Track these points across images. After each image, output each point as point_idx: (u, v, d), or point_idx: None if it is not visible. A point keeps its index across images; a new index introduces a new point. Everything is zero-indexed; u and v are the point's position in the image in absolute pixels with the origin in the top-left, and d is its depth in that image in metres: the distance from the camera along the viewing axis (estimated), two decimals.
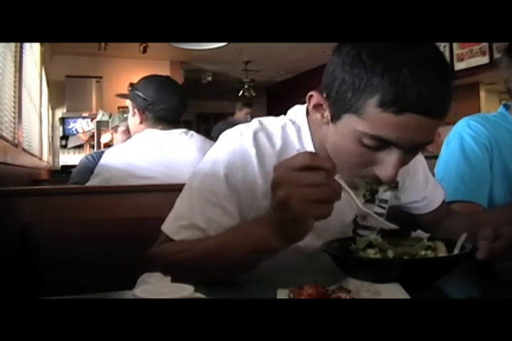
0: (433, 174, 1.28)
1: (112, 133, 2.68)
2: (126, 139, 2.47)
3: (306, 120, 0.84)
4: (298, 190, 0.56)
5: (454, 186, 1.17)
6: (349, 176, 0.71)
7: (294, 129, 0.83)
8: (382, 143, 0.67)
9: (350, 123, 0.69)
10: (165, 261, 0.75)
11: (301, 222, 0.60)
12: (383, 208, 0.93)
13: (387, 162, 0.69)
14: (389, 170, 0.69)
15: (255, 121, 0.85)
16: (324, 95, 0.74)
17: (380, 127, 0.66)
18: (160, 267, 0.63)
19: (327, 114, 0.75)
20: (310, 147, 0.81)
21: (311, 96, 0.76)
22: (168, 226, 0.79)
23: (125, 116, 2.51)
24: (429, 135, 0.69)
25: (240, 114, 4.96)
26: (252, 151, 0.78)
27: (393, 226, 0.71)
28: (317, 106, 0.76)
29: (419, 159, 0.97)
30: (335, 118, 0.72)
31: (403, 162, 0.70)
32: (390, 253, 0.73)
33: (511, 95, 1.24)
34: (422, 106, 0.64)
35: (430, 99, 0.64)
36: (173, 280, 0.53)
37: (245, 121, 4.19)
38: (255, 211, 0.79)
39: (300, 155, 0.59)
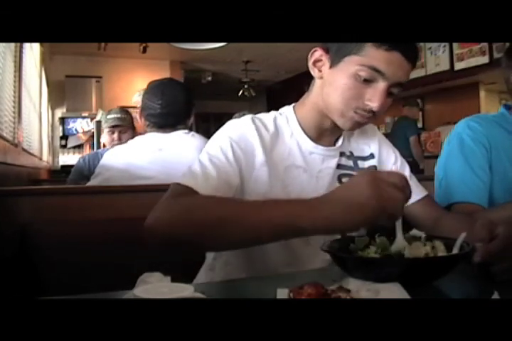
0: (433, 173, 1.29)
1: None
2: (112, 140, 2.51)
3: (292, 111, 1.01)
4: (385, 200, 0.65)
5: (455, 188, 1.17)
6: (347, 110, 0.90)
7: (282, 119, 1.00)
8: (374, 74, 0.86)
9: (351, 61, 0.88)
10: (192, 210, 0.75)
11: (355, 223, 0.67)
12: None
13: (375, 92, 0.88)
14: (377, 99, 0.87)
15: (249, 115, 0.99)
16: (324, 51, 0.93)
17: (375, 60, 0.86)
18: (185, 216, 0.72)
19: (324, 67, 0.93)
20: (298, 129, 0.98)
21: (315, 51, 0.94)
22: (182, 178, 0.84)
23: (109, 117, 2.53)
24: (405, 75, 0.89)
25: None
26: (252, 127, 0.94)
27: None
28: (316, 62, 0.94)
29: (398, 157, 1.09)
30: (335, 62, 0.91)
31: (386, 98, 0.89)
32: (393, 250, 0.73)
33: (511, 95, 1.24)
34: (405, 49, 0.86)
35: (410, 46, 0.88)
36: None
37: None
38: (255, 176, 0.91)
39: (398, 174, 0.70)
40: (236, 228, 0.71)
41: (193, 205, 0.76)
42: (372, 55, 0.86)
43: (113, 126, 2.52)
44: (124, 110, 2.62)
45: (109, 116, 2.55)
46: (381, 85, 0.87)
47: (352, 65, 0.88)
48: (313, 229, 0.67)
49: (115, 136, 2.52)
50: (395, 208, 0.66)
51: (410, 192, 0.68)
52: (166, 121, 1.66)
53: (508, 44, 1.25)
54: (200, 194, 0.80)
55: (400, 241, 0.75)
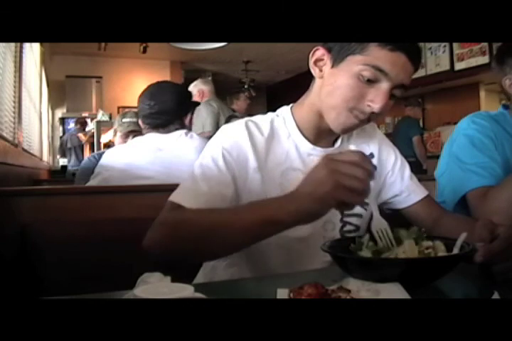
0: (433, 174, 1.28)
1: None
2: (125, 143, 2.49)
3: (290, 112, 0.99)
4: (341, 176, 0.65)
5: (471, 174, 1.14)
6: (344, 110, 0.88)
7: (279, 120, 0.99)
8: (378, 75, 0.85)
9: (354, 60, 0.87)
10: (177, 227, 0.79)
11: (324, 203, 0.67)
12: (365, 209, 1.00)
13: (378, 93, 0.86)
14: (379, 101, 0.86)
15: (245, 118, 0.98)
16: (326, 50, 0.91)
17: (379, 60, 0.85)
18: (171, 233, 0.76)
19: (326, 67, 0.92)
20: (295, 131, 0.97)
21: (317, 50, 0.93)
22: (174, 195, 0.86)
23: (124, 120, 2.52)
24: (408, 77, 0.88)
25: None
26: (245, 133, 0.93)
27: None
28: (317, 61, 0.93)
29: (398, 156, 1.08)
30: (337, 62, 0.90)
31: (388, 100, 0.87)
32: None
33: (507, 96, 1.24)
34: (409, 50, 0.86)
35: (414, 48, 0.88)
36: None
37: None
38: (249, 184, 0.91)
39: (352, 152, 0.70)
40: (220, 237, 0.76)
41: (177, 222, 0.80)
42: (377, 54, 0.85)
43: (129, 132, 2.51)
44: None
45: (124, 120, 2.51)
46: (384, 86, 0.86)
47: (355, 65, 0.86)
48: (291, 220, 0.70)
49: (129, 140, 2.50)
50: (358, 184, 0.65)
51: (372, 166, 0.68)
52: (157, 120, 1.69)
53: (496, 50, 1.26)
54: (189, 209, 0.82)
55: (378, 221, 0.77)
